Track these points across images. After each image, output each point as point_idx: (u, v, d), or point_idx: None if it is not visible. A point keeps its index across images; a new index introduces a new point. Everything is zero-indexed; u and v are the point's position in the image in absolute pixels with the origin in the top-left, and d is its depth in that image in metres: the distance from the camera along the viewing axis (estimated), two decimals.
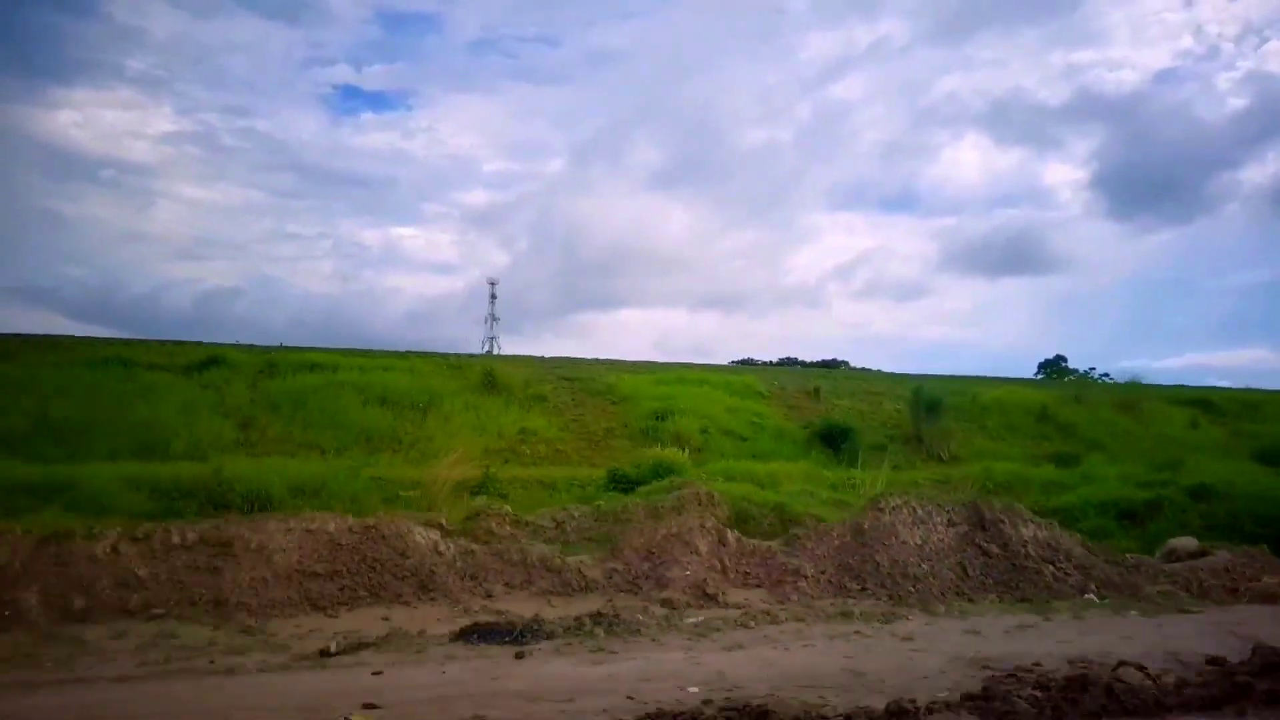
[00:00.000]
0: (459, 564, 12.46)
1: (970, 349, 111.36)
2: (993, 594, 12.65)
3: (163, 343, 31.49)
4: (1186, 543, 15.70)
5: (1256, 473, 22.02)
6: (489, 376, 29.91)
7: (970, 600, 12.32)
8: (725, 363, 50.68)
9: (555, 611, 11.21)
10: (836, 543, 13.49)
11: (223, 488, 18.55)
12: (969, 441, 29.40)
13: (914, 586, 12.58)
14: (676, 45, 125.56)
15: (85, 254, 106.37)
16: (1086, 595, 12.78)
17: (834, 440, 28.00)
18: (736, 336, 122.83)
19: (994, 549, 13.49)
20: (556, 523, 16.13)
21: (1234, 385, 41.69)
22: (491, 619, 10.62)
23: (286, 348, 32.60)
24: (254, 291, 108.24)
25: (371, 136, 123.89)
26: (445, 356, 33.83)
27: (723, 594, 12.14)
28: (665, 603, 11.66)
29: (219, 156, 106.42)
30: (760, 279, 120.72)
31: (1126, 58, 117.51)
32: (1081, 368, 54.64)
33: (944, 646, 9.39)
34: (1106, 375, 47.44)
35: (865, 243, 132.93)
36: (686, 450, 24.96)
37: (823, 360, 59.21)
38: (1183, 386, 39.20)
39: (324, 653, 8.85)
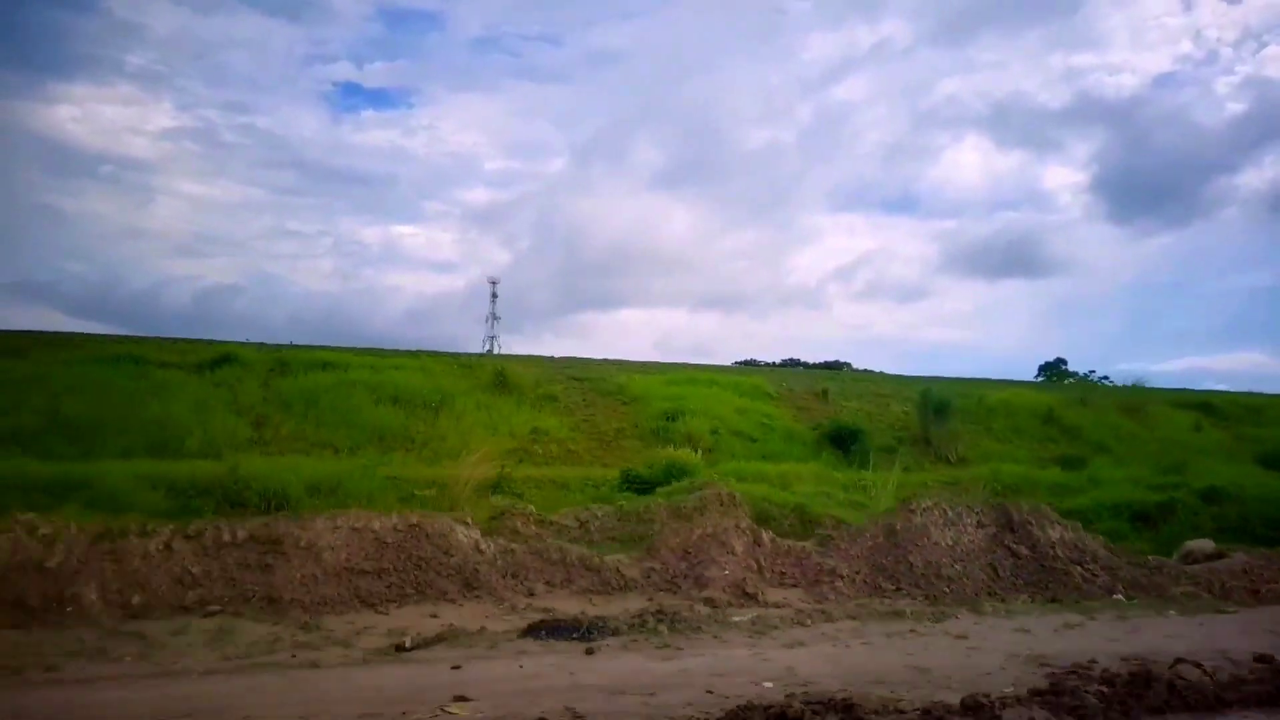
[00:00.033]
0: (499, 562, 12.61)
1: (970, 351, 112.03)
2: (1024, 594, 12.83)
3: (173, 340, 31.50)
4: (1203, 545, 15.92)
5: (1262, 476, 22.33)
6: (500, 376, 30.02)
7: (1002, 600, 12.49)
8: (729, 363, 50.88)
9: (596, 609, 11.35)
10: (869, 543, 13.68)
11: (239, 486, 18.63)
12: (976, 444, 29.64)
13: (948, 587, 12.78)
14: (678, 45, 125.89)
15: (85, 250, 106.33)
16: (1115, 596, 12.98)
17: (843, 442, 28.17)
18: (737, 337, 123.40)
19: (1023, 550, 13.70)
20: (580, 522, 16.28)
21: (1233, 389, 42.18)
22: (539, 616, 10.75)
23: (297, 346, 32.65)
24: (254, 289, 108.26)
25: (372, 134, 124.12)
26: (455, 356, 33.95)
27: (762, 593, 12.30)
28: (708, 601, 11.81)
29: (219, 153, 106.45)
30: (761, 280, 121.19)
31: (1126, 61, 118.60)
32: (1081, 370, 55.15)
33: (998, 645, 9.59)
34: (1106, 378, 47.83)
35: (866, 244, 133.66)
36: (699, 451, 25.07)
37: (825, 361, 59.55)
38: (1185, 390, 39.56)
39: (399, 647, 9.01)
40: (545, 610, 11.15)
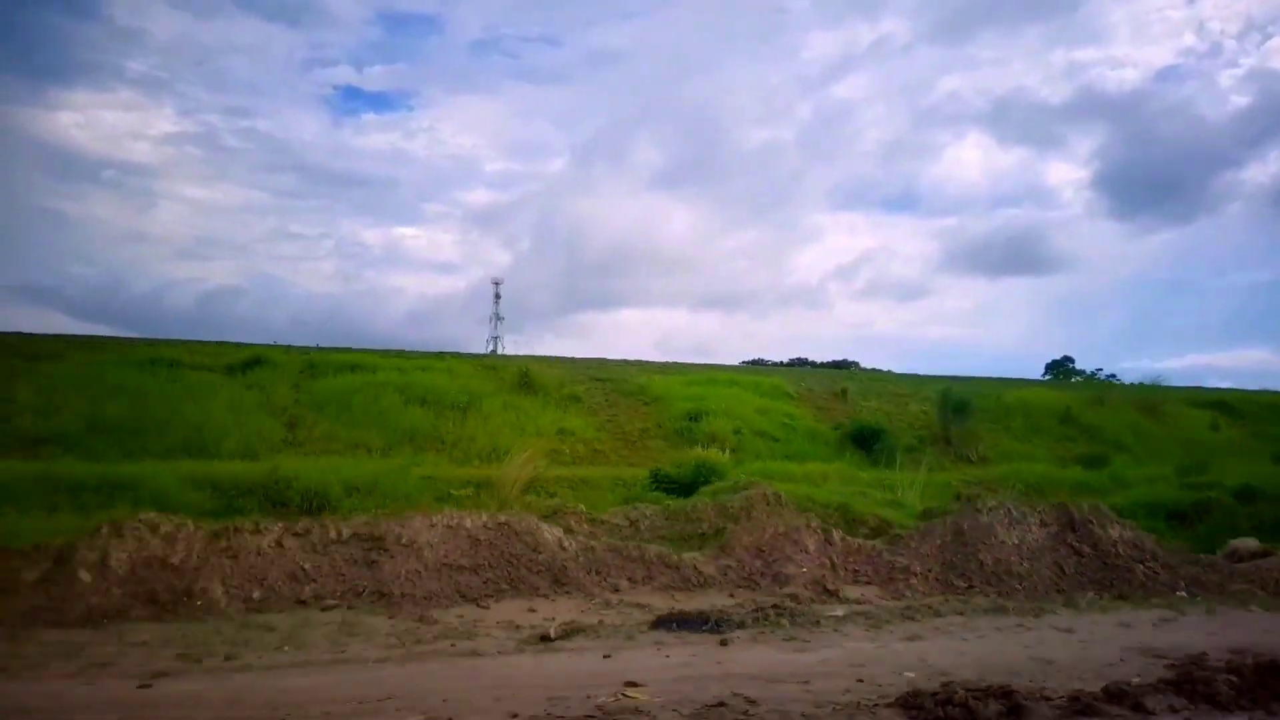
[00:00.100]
0: (581, 559, 12.90)
1: (972, 349, 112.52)
2: (1090, 591, 13.15)
3: (203, 343, 31.66)
4: (1248, 543, 16.30)
5: None
6: (525, 377, 30.28)
7: (1070, 597, 12.83)
8: (735, 363, 51.20)
9: (679, 605, 11.66)
10: (938, 542, 14.01)
11: (279, 486, 18.93)
12: (996, 443, 30.07)
13: (1019, 584, 13.12)
14: (678, 45, 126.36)
15: (88, 253, 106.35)
16: (1179, 593, 13.33)
17: (866, 442, 28.51)
18: (738, 337, 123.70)
19: (1085, 548, 14.07)
20: (630, 521, 16.54)
21: (1237, 385, 42.69)
22: (633, 610, 11.05)
23: (324, 348, 32.83)
24: (256, 291, 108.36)
25: (373, 137, 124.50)
26: (480, 357, 34.23)
27: (841, 590, 12.61)
28: (792, 598, 12.09)
29: (221, 157, 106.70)
30: (762, 279, 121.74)
31: (1128, 56, 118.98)
32: (1087, 368, 55.70)
33: (1105, 638, 9.95)
34: (1114, 376, 48.44)
35: (867, 242, 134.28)
36: (726, 451, 25.35)
37: (834, 360, 59.92)
38: (1200, 388, 40.19)
39: (544, 637, 9.29)
40: (639, 605, 11.46)
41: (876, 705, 6.83)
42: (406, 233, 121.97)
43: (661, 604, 11.64)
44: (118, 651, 8.42)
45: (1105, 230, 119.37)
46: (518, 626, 10.01)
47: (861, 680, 7.71)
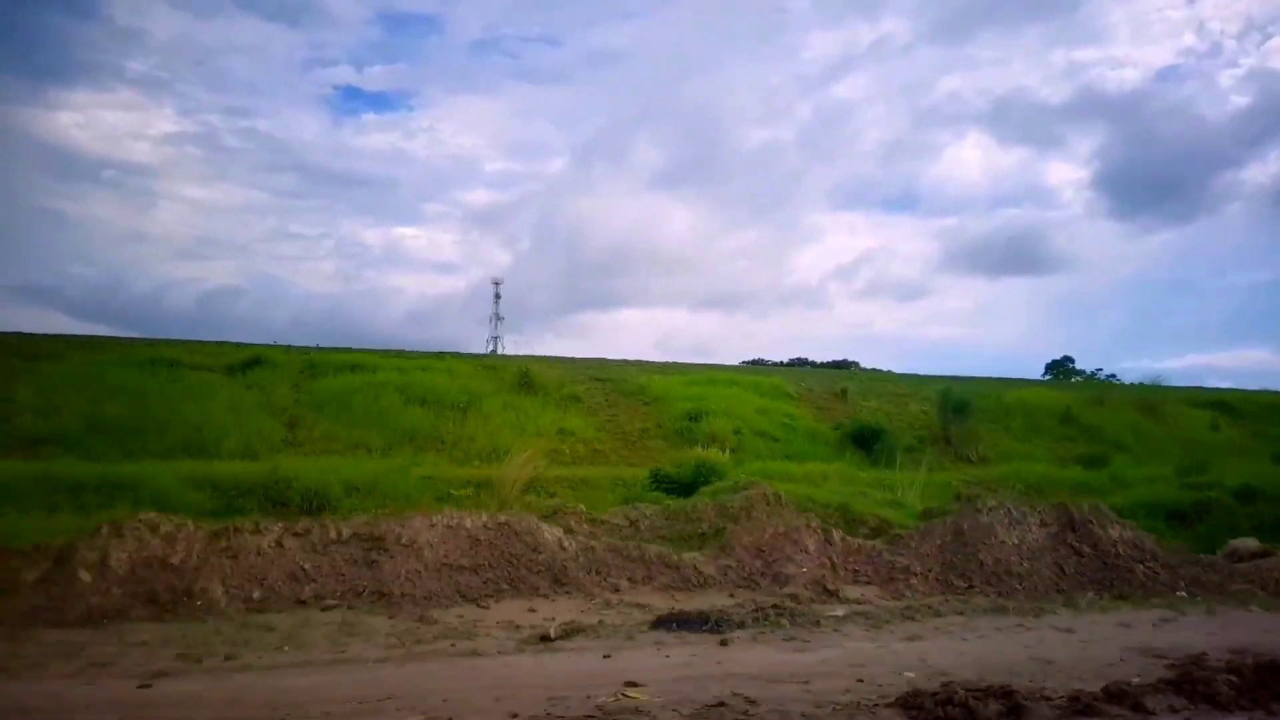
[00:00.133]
0: (581, 559, 12.90)
1: (971, 349, 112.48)
2: (1090, 591, 13.15)
3: (203, 343, 31.67)
4: (1248, 543, 16.30)
5: None
6: (525, 377, 30.27)
7: (1071, 597, 12.83)
8: (735, 363, 51.21)
9: (679, 605, 11.67)
10: (938, 542, 14.02)
11: (279, 486, 18.95)
12: (996, 443, 30.08)
13: (1019, 584, 13.12)
14: (678, 45, 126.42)
15: (88, 253, 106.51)
16: (1179, 593, 13.33)
17: (866, 442, 28.52)
18: (738, 337, 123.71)
19: (1085, 548, 14.07)
20: (630, 521, 16.53)
21: (1237, 385, 42.69)
22: (632, 610, 11.05)
23: (324, 348, 32.84)
24: (256, 291, 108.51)
25: (373, 137, 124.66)
26: (480, 357, 34.25)
27: (841, 590, 12.61)
28: (792, 598, 12.10)
29: (221, 157, 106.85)
30: (762, 279, 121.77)
31: (1128, 56, 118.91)
32: (1087, 368, 55.70)
33: (1105, 638, 9.95)
34: (1113, 376, 48.46)
35: (867, 242, 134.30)
36: (726, 451, 25.34)
37: (834, 360, 59.93)
38: (1200, 388, 40.20)
39: (544, 637, 9.30)
40: (640, 605, 11.46)
41: (876, 705, 6.83)
42: (406, 233, 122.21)
43: (661, 604, 11.65)
44: (117, 652, 8.42)
45: (1105, 230, 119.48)
46: (518, 626, 10.02)
47: (861, 680, 7.71)
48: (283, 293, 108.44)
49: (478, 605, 11.08)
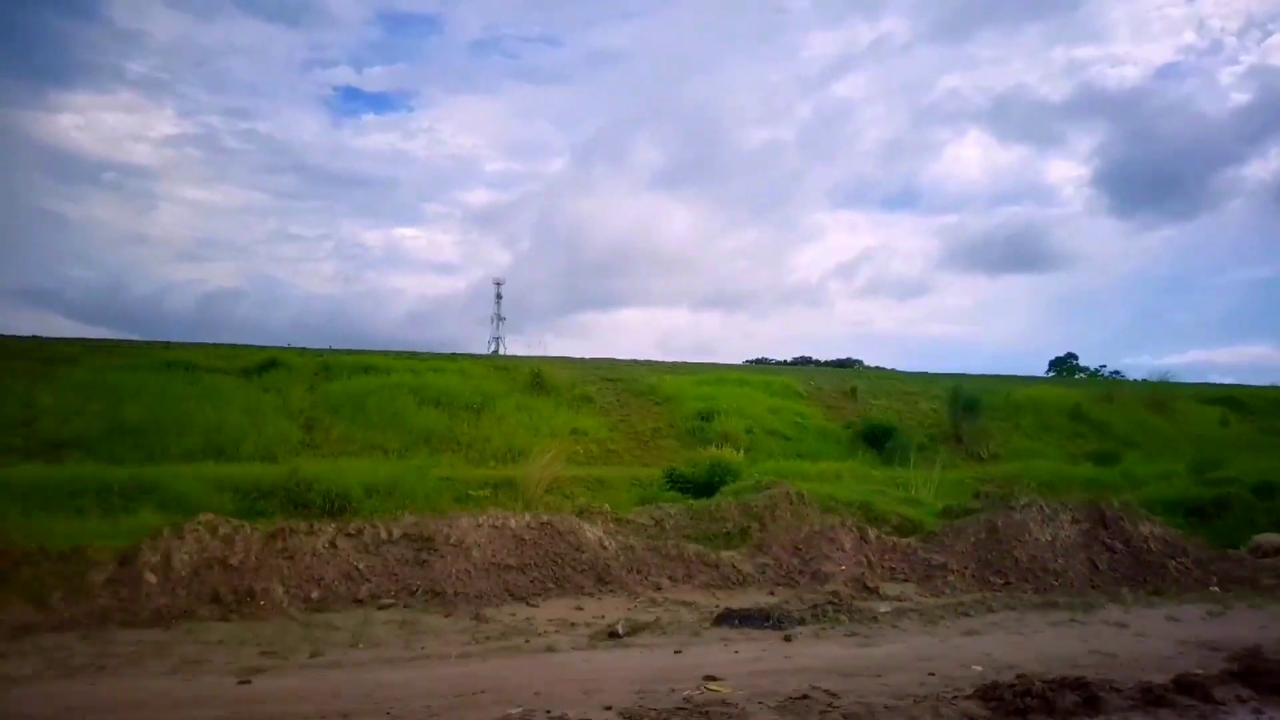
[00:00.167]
0: (622, 558, 13.05)
1: (972, 346, 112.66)
2: (1124, 587, 13.31)
3: (217, 346, 31.74)
4: (1273, 538, 16.45)
5: None
6: (537, 378, 30.39)
7: (1117, 593, 12.98)
8: (740, 362, 51.32)
9: (720, 602, 11.81)
10: (973, 540, 14.20)
11: (300, 488, 19.07)
12: (1006, 440, 30.24)
13: (1055, 581, 13.29)
14: (678, 45, 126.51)
15: (88, 256, 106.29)
16: (1211, 588, 13.50)
17: (877, 440, 28.66)
18: (739, 336, 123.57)
19: (1117, 545, 14.26)
20: (655, 521, 16.66)
21: (1238, 381, 42.90)
22: (679, 608, 11.20)
23: (337, 350, 32.92)
24: (256, 293, 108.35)
25: (373, 137, 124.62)
26: (490, 358, 34.35)
27: (880, 588, 12.77)
28: (834, 595, 12.25)
29: (221, 158, 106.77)
30: (762, 278, 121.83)
31: (1128, 53, 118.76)
32: (1091, 365, 55.98)
33: (1159, 632, 10.13)
34: (1117, 373, 48.73)
35: (867, 241, 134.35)
36: (741, 451, 25.46)
37: (837, 359, 60.06)
38: (1208, 384, 40.41)
39: (613, 634, 9.44)
40: (685, 603, 11.62)
41: (955, 697, 6.98)
42: (406, 233, 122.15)
43: (705, 601, 11.81)
44: (202, 650, 8.55)
45: (1106, 227, 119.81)
46: (573, 624, 10.17)
47: (932, 674, 7.87)
48: (283, 294, 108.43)
49: (527, 604, 11.23)
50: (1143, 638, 9.82)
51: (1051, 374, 55.93)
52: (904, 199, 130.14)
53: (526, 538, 12.45)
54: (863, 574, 13.14)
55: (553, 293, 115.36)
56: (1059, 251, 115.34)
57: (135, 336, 36.95)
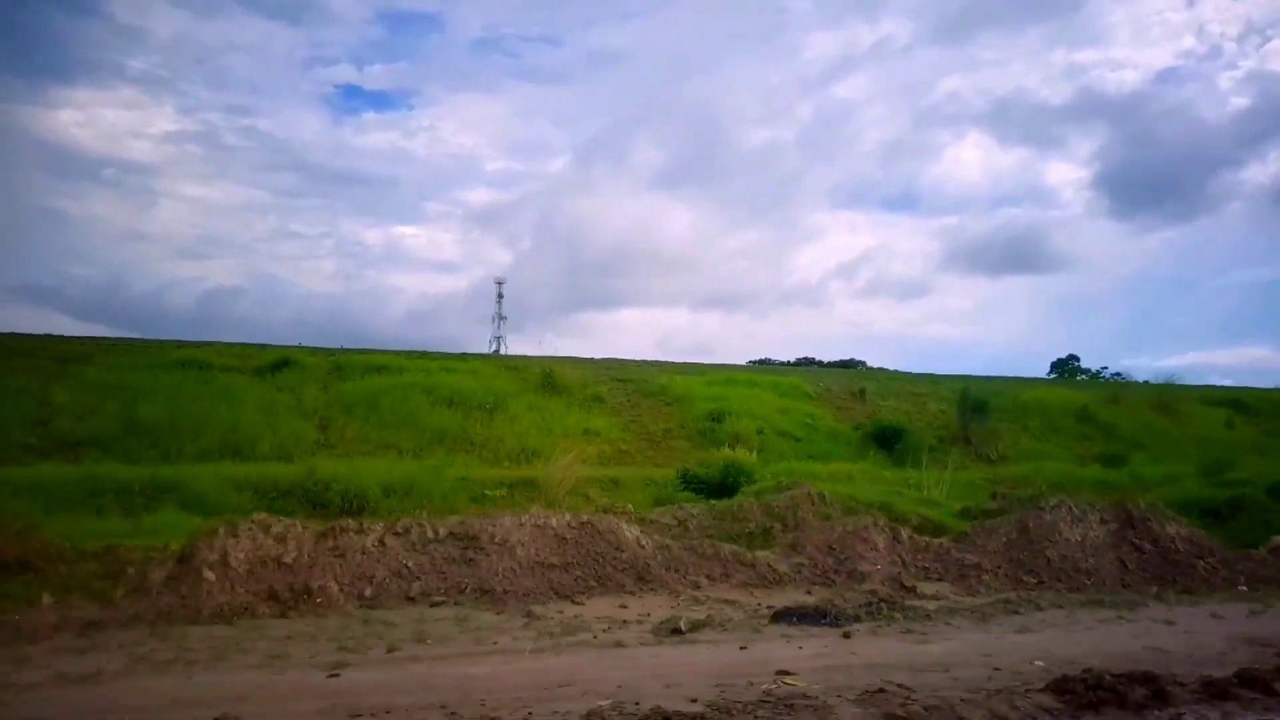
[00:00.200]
0: (660, 557, 13.16)
1: (972, 347, 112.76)
2: (1154, 587, 13.48)
3: (230, 345, 31.75)
4: None
5: None
6: (548, 378, 30.48)
7: (1138, 592, 13.16)
8: (743, 362, 51.46)
9: (759, 600, 11.95)
10: (1004, 540, 14.35)
11: (318, 487, 19.17)
12: (1015, 442, 30.45)
13: (1088, 580, 13.46)
14: (678, 45, 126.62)
15: (88, 253, 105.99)
16: (1239, 587, 13.68)
17: (887, 441, 28.83)
18: (739, 336, 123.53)
19: (1146, 545, 14.43)
20: (679, 521, 16.78)
21: (1236, 384, 43.21)
22: (720, 607, 11.33)
23: (349, 350, 32.97)
24: (257, 290, 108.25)
25: (373, 136, 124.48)
26: (502, 358, 34.45)
27: (918, 587, 12.91)
28: (871, 594, 12.38)
29: (221, 156, 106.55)
30: (762, 278, 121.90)
31: (1128, 57, 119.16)
32: (1092, 367, 56.26)
33: (1206, 629, 10.30)
34: (1118, 374, 49.02)
35: (867, 242, 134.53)
36: (753, 452, 25.56)
37: (840, 360, 60.22)
38: (1213, 386, 40.77)
39: (675, 630, 9.56)
40: (729, 601, 11.75)
41: (1028, 691, 7.12)
42: (407, 232, 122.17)
43: (745, 600, 11.95)
44: (276, 645, 8.63)
45: (1106, 230, 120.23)
46: (624, 621, 10.28)
47: (998, 669, 8.02)
48: (283, 292, 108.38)
49: (573, 601, 11.34)
50: (1192, 634, 9.98)
51: (1053, 375, 56.21)
52: (904, 200, 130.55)
53: (568, 537, 12.56)
54: (899, 573, 13.28)
55: (553, 292, 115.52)
56: (1059, 254, 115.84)
57: (135, 334, 36.95)
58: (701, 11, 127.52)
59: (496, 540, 11.98)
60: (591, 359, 36.58)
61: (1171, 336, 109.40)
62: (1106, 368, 54.22)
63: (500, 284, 67.63)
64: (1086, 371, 56.15)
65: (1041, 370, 59.95)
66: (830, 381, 35.68)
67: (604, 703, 6.57)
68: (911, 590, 12.73)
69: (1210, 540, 15.21)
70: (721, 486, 20.31)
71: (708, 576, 13.04)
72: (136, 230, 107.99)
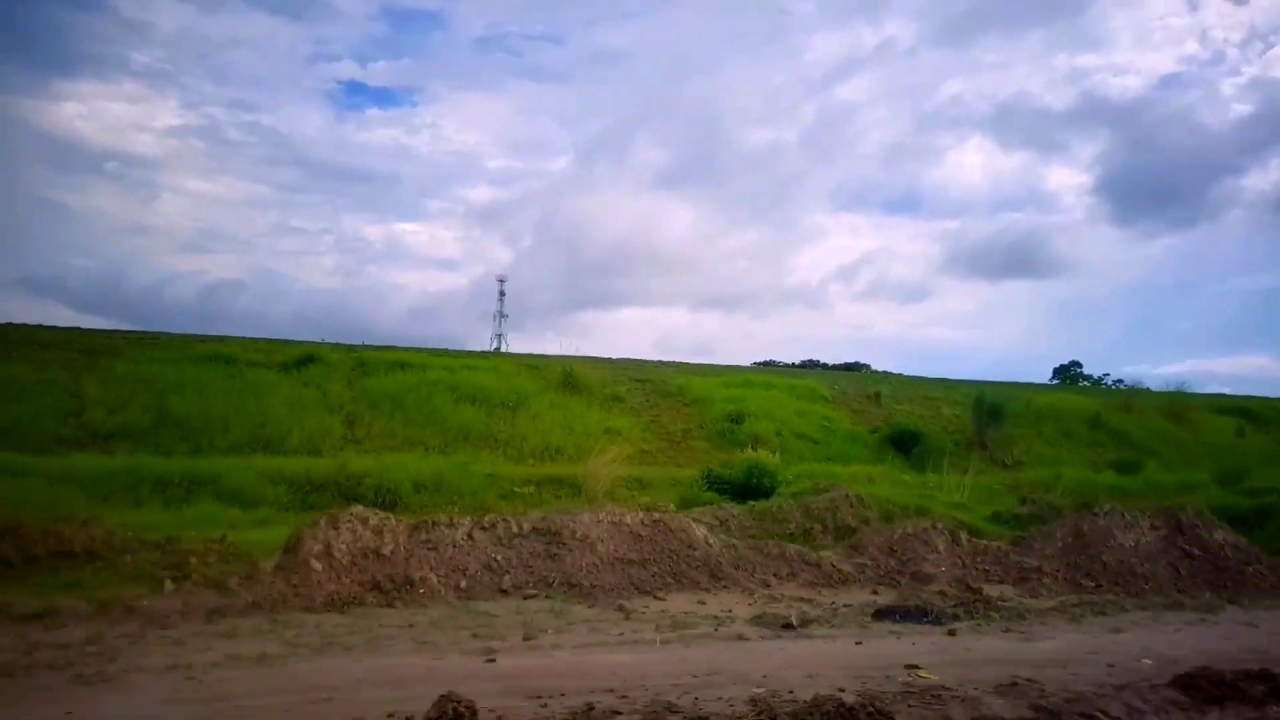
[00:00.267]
0: (728, 555, 13.40)
1: (973, 352, 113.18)
2: (1206, 592, 13.75)
3: (254, 339, 31.81)
4: None
5: None
6: (569, 377, 30.66)
7: (1192, 598, 13.44)
8: (748, 364, 51.72)
9: (826, 599, 12.20)
10: (1060, 544, 14.62)
11: (350, 482, 19.37)
12: (1029, 447, 30.82)
13: (1145, 584, 13.74)
14: (680, 45, 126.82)
15: (89, 245, 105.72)
16: None
17: (904, 445, 29.12)
18: (738, 337, 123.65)
19: (1195, 551, 14.73)
20: (720, 520, 16.99)
21: (1234, 392, 43.76)
22: (785, 607, 11.54)
23: (370, 346, 33.09)
24: (257, 285, 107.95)
25: (376, 132, 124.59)
26: (521, 356, 34.61)
27: (983, 590, 13.15)
28: (940, 595, 12.63)
29: (224, 150, 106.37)
30: (762, 279, 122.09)
31: (1131, 62, 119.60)
32: (1094, 373, 56.76)
33: None
34: (1120, 381, 49.57)
35: (868, 244, 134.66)
36: (777, 453, 25.75)
37: (845, 363, 60.71)
38: (1222, 395, 41.30)
39: (787, 626, 9.79)
40: (802, 599, 11.98)
41: (1155, 686, 7.37)
42: (408, 229, 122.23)
43: (814, 598, 12.17)
44: (405, 631, 8.83)
45: (1107, 235, 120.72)
46: (715, 616, 10.49)
47: (1112, 665, 8.30)
48: (284, 287, 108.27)
49: (654, 597, 11.56)
50: (1276, 636, 10.28)
51: (1056, 381, 56.66)
52: (906, 203, 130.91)
53: (643, 534, 12.79)
54: (964, 575, 13.53)
55: (553, 291, 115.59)
56: (1060, 259, 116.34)
57: (136, 327, 36.98)
58: (703, 11, 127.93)
59: (577, 536, 12.18)
60: (610, 359, 36.80)
61: (1171, 343, 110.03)
62: (1109, 374, 54.84)
63: (502, 282, 67.86)
64: (1089, 377, 56.68)
65: (1043, 375, 60.52)
66: (845, 385, 35.98)
67: (758, 691, 6.79)
68: (978, 592, 12.95)
69: (1253, 547, 15.52)
70: (745, 487, 20.44)
71: (775, 575, 13.28)
72: (138, 223, 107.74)
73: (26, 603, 8.95)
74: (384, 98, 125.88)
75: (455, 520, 11.87)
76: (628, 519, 12.91)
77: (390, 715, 5.88)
